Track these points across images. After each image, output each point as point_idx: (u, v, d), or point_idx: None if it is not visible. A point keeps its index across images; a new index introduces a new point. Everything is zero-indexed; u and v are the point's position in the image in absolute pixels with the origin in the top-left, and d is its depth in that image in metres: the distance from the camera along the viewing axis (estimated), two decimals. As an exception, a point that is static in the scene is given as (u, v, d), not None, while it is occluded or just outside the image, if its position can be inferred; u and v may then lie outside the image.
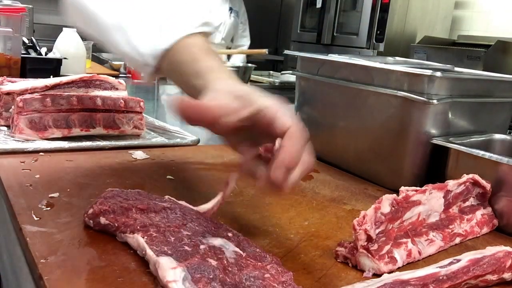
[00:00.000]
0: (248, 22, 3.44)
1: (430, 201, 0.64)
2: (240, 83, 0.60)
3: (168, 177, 0.80)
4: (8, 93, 0.95)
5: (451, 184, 0.68)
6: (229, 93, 0.55)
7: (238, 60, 2.89)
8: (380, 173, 0.90)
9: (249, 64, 2.68)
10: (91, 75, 1.10)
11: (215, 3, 0.73)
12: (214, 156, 0.97)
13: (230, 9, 3.27)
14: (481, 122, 0.93)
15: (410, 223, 0.62)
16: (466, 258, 0.53)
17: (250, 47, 3.47)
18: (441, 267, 0.52)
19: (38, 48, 1.64)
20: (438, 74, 0.80)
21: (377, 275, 0.54)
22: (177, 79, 0.67)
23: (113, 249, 0.53)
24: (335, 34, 3.35)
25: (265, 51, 2.35)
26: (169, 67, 0.66)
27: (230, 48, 3.43)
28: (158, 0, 0.67)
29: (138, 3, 0.67)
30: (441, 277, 0.50)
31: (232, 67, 2.36)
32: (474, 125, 0.91)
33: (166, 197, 0.60)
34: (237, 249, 0.51)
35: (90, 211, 0.56)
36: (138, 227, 0.53)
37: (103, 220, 0.55)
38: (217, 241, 0.51)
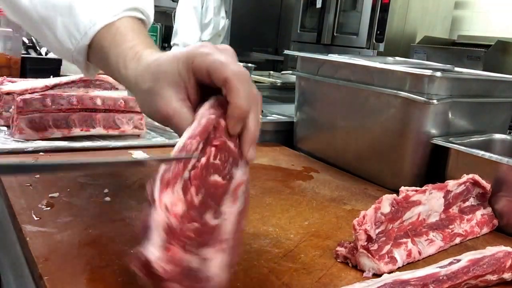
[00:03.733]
0: (248, 23, 3.45)
1: (430, 201, 0.64)
2: (160, 54, 0.55)
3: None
4: (8, 93, 0.95)
5: (451, 184, 0.68)
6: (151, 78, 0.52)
7: None
8: (380, 173, 0.90)
9: (249, 64, 2.69)
10: (91, 75, 1.09)
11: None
12: (214, 156, 0.97)
13: (225, 11, 3.29)
14: (481, 122, 0.93)
15: (410, 223, 0.62)
16: (466, 258, 0.53)
17: (251, 47, 3.48)
18: (441, 267, 0.52)
19: (38, 48, 1.65)
20: (438, 74, 0.80)
21: (377, 275, 0.54)
22: (106, 71, 0.63)
23: (113, 249, 0.53)
24: (335, 34, 3.35)
25: None
26: (96, 60, 0.63)
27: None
28: None
29: None
30: (441, 277, 0.50)
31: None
32: (474, 125, 0.91)
33: None
34: None
35: None
36: None
37: None
38: None
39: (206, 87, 0.51)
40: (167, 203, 0.42)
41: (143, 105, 0.54)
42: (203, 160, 0.46)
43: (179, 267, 0.40)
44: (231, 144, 0.49)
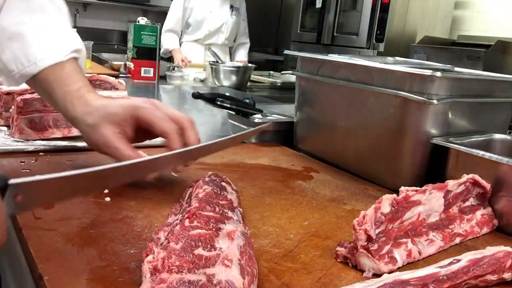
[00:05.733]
0: (248, 22, 3.43)
1: (430, 201, 0.64)
2: (107, 100, 0.71)
3: (173, 174, 0.80)
4: (8, 93, 0.95)
5: (451, 184, 0.68)
6: (106, 121, 0.69)
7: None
8: (380, 173, 0.90)
9: (249, 64, 2.68)
10: (91, 75, 1.09)
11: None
12: (214, 156, 0.97)
13: (231, 7, 3.24)
14: (481, 122, 0.93)
15: (410, 223, 0.62)
16: (466, 258, 0.53)
17: (250, 47, 3.47)
18: (441, 267, 0.52)
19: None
20: (438, 74, 0.80)
21: (377, 275, 0.54)
22: (46, 98, 0.77)
23: (113, 249, 0.53)
24: (335, 34, 3.35)
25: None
26: (37, 87, 0.75)
27: (232, 47, 3.42)
28: (34, 20, 0.73)
29: (14, 21, 0.73)
30: (441, 277, 0.50)
31: (233, 67, 2.37)
32: (474, 125, 0.91)
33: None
34: None
35: None
36: None
37: None
38: None
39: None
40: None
41: (86, 135, 0.70)
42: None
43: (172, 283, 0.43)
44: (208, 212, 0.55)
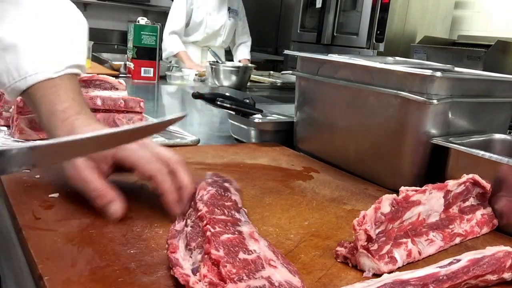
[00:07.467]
0: (248, 23, 3.42)
1: (430, 201, 0.64)
2: (92, 126, 0.65)
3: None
4: (8, 93, 0.95)
5: (451, 184, 0.68)
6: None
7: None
8: (380, 173, 0.90)
9: (249, 64, 2.68)
10: (91, 75, 1.09)
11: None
12: (214, 156, 0.97)
13: (229, 9, 3.23)
14: (481, 122, 0.93)
15: (410, 223, 0.62)
16: (466, 258, 0.53)
17: (251, 46, 3.46)
18: (441, 267, 0.52)
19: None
20: (438, 74, 0.80)
21: (377, 275, 0.54)
22: (36, 113, 0.70)
23: (113, 249, 0.53)
24: (335, 34, 3.35)
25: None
26: (28, 102, 0.70)
27: (230, 49, 3.41)
28: (32, 31, 0.69)
29: (11, 31, 0.68)
30: (441, 277, 0.50)
31: (232, 67, 2.36)
32: (474, 125, 0.91)
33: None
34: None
35: None
36: None
37: None
38: None
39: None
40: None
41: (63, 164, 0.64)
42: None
43: None
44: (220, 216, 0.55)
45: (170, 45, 3.01)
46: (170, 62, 2.96)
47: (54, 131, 0.65)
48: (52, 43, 0.70)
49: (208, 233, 0.49)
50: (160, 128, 0.62)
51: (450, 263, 0.52)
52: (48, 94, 0.66)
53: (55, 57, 0.69)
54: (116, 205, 0.60)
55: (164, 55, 3.02)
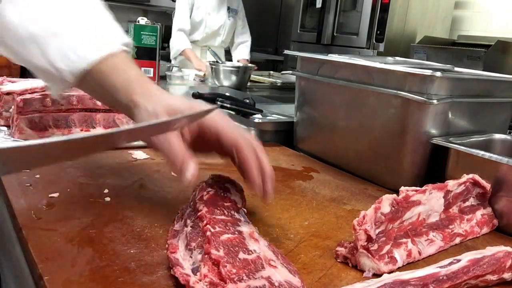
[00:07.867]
0: (248, 22, 3.41)
1: (430, 201, 0.64)
2: (167, 93, 0.64)
3: (173, 174, 0.80)
4: (8, 93, 0.95)
5: (451, 184, 0.68)
6: (165, 111, 0.60)
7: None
8: (380, 173, 0.90)
9: (249, 64, 2.68)
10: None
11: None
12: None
13: (228, 8, 3.22)
14: (481, 122, 0.93)
15: (410, 223, 0.62)
16: (466, 258, 0.53)
17: (251, 46, 3.45)
18: (441, 267, 0.52)
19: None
20: (438, 74, 0.80)
21: (377, 275, 0.54)
22: (99, 95, 0.70)
23: (113, 249, 0.53)
24: (335, 34, 3.35)
25: None
26: (90, 84, 0.67)
27: (229, 48, 3.41)
28: (79, 15, 0.68)
29: (58, 17, 0.66)
30: (441, 277, 0.50)
31: (232, 67, 2.36)
32: (474, 125, 0.91)
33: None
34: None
35: None
36: None
37: None
38: None
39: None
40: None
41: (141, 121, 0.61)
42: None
43: None
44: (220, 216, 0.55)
45: (177, 42, 3.02)
46: (176, 60, 2.94)
47: (133, 93, 0.63)
48: (100, 25, 0.70)
49: (208, 233, 0.49)
50: (193, 119, 0.61)
51: (450, 263, 0.52)
52: (117, 65, 0.65)
53: (108, 36, 0.68)
54: (193, 170, 0.57)
55: (172, 54, 3.02)
